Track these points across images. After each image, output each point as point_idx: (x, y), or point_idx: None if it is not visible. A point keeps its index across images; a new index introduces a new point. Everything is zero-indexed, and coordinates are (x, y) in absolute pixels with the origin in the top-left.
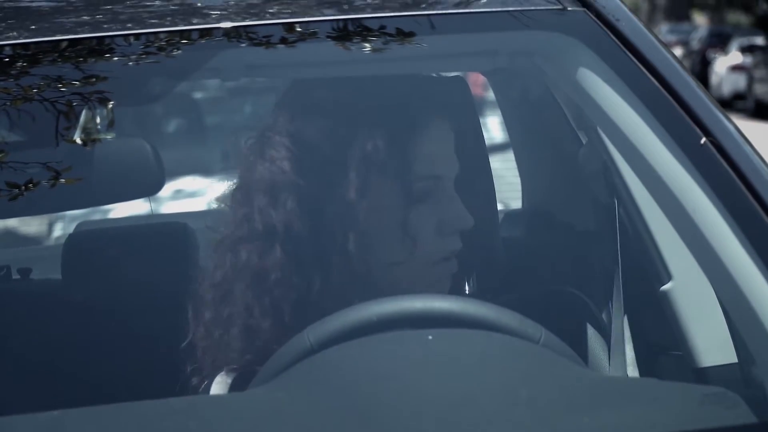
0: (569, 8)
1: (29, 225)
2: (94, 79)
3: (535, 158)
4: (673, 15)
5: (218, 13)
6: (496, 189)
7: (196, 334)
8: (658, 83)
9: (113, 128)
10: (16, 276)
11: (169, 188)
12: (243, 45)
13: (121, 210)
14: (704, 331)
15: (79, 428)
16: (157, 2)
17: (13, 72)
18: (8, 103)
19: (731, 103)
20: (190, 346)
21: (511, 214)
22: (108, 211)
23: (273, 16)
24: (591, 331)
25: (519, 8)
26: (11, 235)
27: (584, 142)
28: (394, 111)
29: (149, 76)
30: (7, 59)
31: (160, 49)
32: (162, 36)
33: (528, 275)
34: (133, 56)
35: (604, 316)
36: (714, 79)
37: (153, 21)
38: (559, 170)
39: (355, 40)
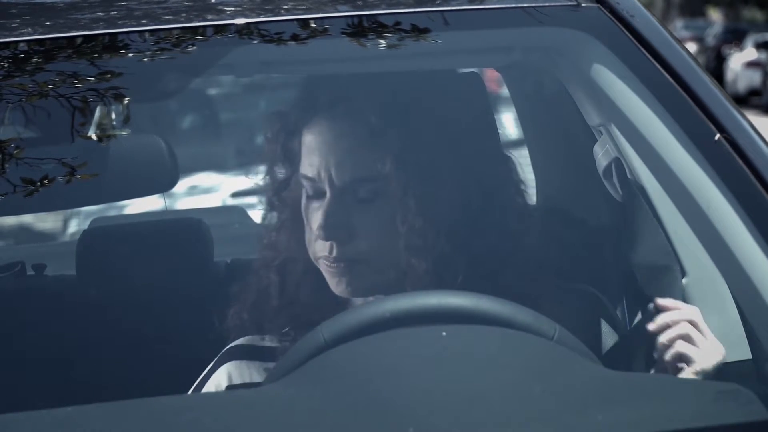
0: (583, 4)
1: (44, 221)
2: (108, 76)
3: (549, 154)
4: (687, 11)
5: (232, 9)
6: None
7: (212, 330)
8: (673, 79)
9: (128, 124)
10: (30, 272)
11: (183, 184)
12: (257, 41)
13: (136, 206)
14: (718, 327)
15: (92, 424)
16: None
17: (28, 68)
18: (23, 99)
19: (746, 100)
20: (206, 342)
21: None
22: (122, 207)
23: (287, 12)
24: (605, 328)
25: (533, 4)
26: (26, 231)
27: (598, 138)
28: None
29: (163, 73)
30: (22, 55)
31: (175, 45)
32: (176, 32)
33: (542, 271)
34: (148, 52)
35: (617, 312)
36: (729, 76)
37: (167, 17)
38: (573, 166)
39: (369, 37)
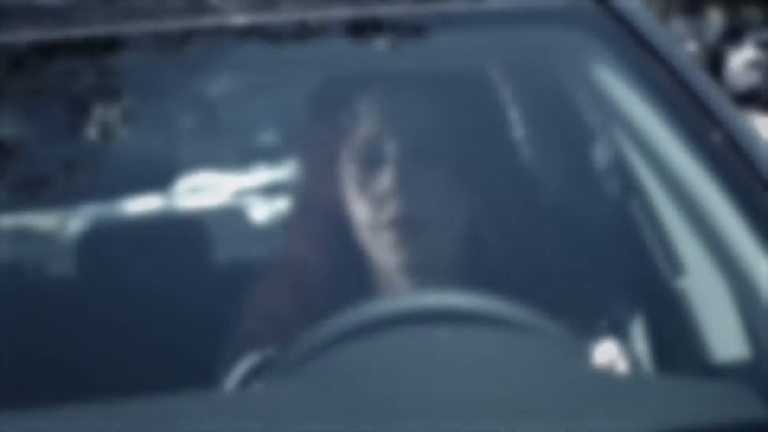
0: (583, 3)
1: (44, 221)
2: (108, 74)
3: (548, 154)
4: (687, 11)
5: (232, 9)
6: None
7: (214, 328)
8: (672, 78)
9: (128, 124)
10: (30, 272)
11: (183, 184)
12: (257, 41)
13: (136, 205)
14: (718, 326)
15: (92, 424)
16: None
17: (28, 67)
18: (23, 100)
19: (746, 100)
20: (208, 340)
21: None
22: (122, 207)
23: (287, 12)
24: (605, 327)
25: (533, 4)
26: (26, 230)
27: (598, 137)
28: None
29: (163, 71)
30: (22, 55)
31: (175, 44)
32: (176, 31)
33: (542, 271)
34: (148, 52)
35: (617, 311)
36: (729, 76)
37: (167, 17)
38: (572, 166)
39: (369, 36)
